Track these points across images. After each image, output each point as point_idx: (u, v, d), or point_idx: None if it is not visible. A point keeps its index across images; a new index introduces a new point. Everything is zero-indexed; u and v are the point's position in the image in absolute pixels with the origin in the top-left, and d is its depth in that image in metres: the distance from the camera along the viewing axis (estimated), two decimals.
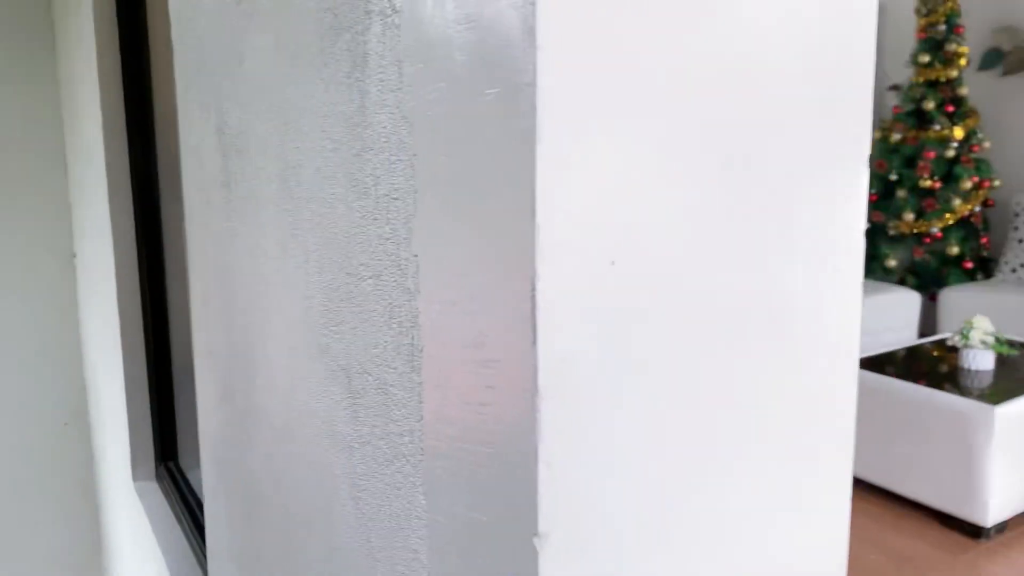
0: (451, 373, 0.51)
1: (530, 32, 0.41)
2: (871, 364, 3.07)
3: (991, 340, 2.97)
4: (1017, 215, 4.27)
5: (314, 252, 0.70)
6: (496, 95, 0.44)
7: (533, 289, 0.42)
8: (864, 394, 2.94)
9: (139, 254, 1.81)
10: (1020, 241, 4.21)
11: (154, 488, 1.80)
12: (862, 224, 0.56)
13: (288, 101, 0.72)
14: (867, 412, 2.94)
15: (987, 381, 2.90)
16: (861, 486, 3.10)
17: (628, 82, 0.44)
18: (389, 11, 0.54)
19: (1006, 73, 4.60)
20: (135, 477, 1.83)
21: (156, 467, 1.86)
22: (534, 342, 0.43)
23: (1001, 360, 3.10)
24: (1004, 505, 2.67)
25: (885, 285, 4.15)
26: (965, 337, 3.00)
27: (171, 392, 1.88)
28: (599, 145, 0.44)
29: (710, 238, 0.49)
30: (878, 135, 4.63)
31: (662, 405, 0.47)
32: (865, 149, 0.56)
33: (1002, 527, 2.73)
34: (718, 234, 0.49)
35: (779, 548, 0.55)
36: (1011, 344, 3.30)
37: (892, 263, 4.54)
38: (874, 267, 4.63)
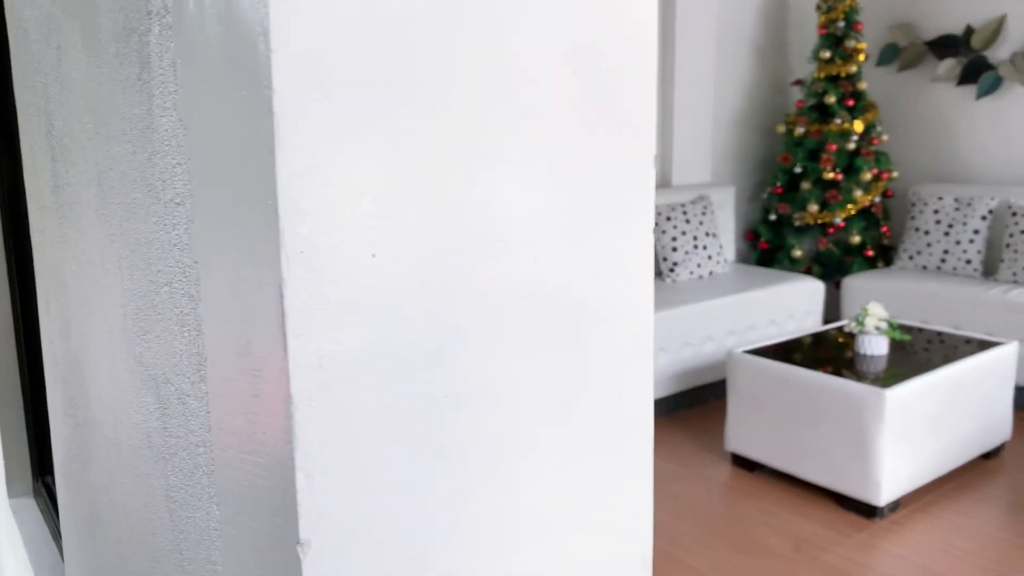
0: (230, 382, 0.50)
1: (265, 33, 0.40)
2: (771, 352, 3.16)
3: (884, 326, 3.10)
4: (914, 204, 4.46)
5: (125, 259, 0.68)
6: (245, 97, 0.43)
7: (281, 295, 0.42)
8: (764, 381, 3.02)
9: (8, 261, 1.74)
10: (917, 229, 4.40)
11: (31, 505, 1.73)
12: (650, 225, 0.57)
13: (99, 102, 0.69)
14: (767, 399, 3.03)
15: (881, 365, 3.02)
16: (764, 471, 3.19)
17: (375, 84, 0.44)
18: (163, 12, 0.52)
19: (902, 68, 4.79)
20: (11, 494, 1.74)
21: (34, 483, 1.78)
22: (285, 348, 0.42)
23: (895, 344, 3.23)
24: (896, 484, 2.79)
25: (790, 275, 4.28)
26: (860, 324, 3.12)
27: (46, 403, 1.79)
28: (350, 144, 0.43)
29: (484, 235, 0.49)
30: (783, 129, 4.77)
31: (434, 407, 0.47)
32: (650, 151, 0.57)
33: (895, 505, 2.85)
34: (493, 230, 0.49)
35: (576, 547, 0.56)
36: (904, 329, 3.44)
37: (798, 253, 4.68)
38: (781, 257, 4.77)
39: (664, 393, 3.72)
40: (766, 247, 4.85)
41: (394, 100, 0.44)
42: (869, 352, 3.12)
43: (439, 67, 0.46)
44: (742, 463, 3.24)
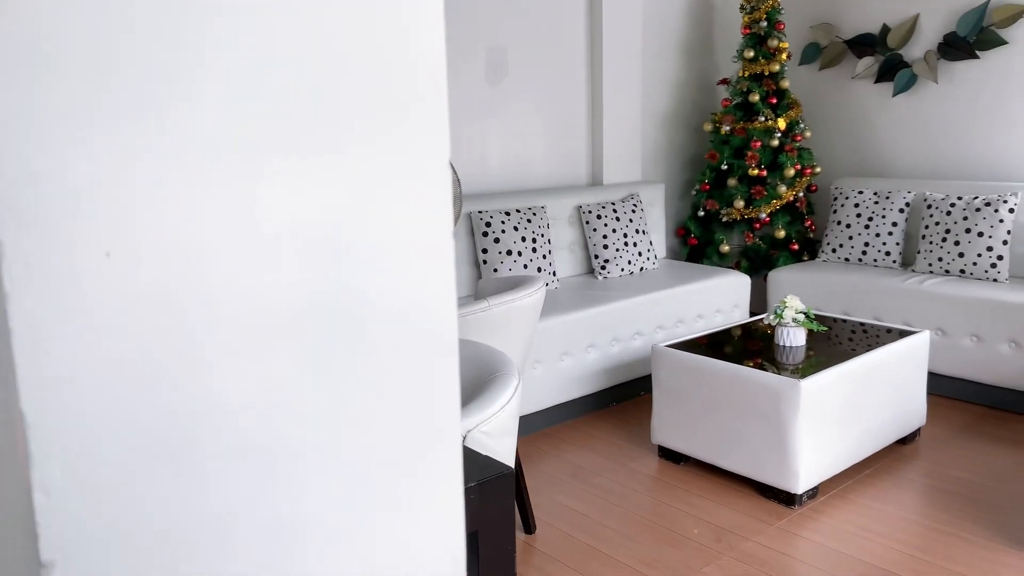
0: None
1: None
2: (693, 346, 3.21)
3: (802, 318, 3.17)
4: (835, 199, 4.57)
5: None
6: None
7: (4, 310, 0.41)
8: (687, 374, 3.06)
9: None
10: (839, 223, 4.51)
11: None
12: (448, 227, 0.57)
13: None
14: (690, 392, 3.08)
15: (799, 356, 3.09)
16: (690, 463, 3.24)
17: (99, 80, 0.43)
18: None
19: (823, 67, 4.91)
20: None
21: None
22: (13, 366, 0.41)
23: (815, 335, 3.31)
24: (814, 472, 2.85)
25: (718, 270, 4.35)
26: (779, 316, 3.19)
27: None
28: (80, 147, 0.42)
29: (247, 241, 0.48)
30: (709, 127, 4.85)
31: (189, 419, 0.46)
32: (443, 153, 0.56)
33: (814, 493, 2.92)
34: (258, 235, 0.48)
35: (373, 554, 0.56)
36: (824, 320, 3.53)
37: (726, 248, 4.77)
38: (710, 253, 4.85)
39: (594, 388, 3.75)
40: (696, 243, 4.93)
41: (124, 94, 0.43)
42: (788, 343, 3.19)
43: (169, 58, 0.45)
44: (669, 455, 3.29)
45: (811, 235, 4.85)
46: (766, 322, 3.28)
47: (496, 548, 1.26)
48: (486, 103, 4.22)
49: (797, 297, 3.26)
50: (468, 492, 1.22)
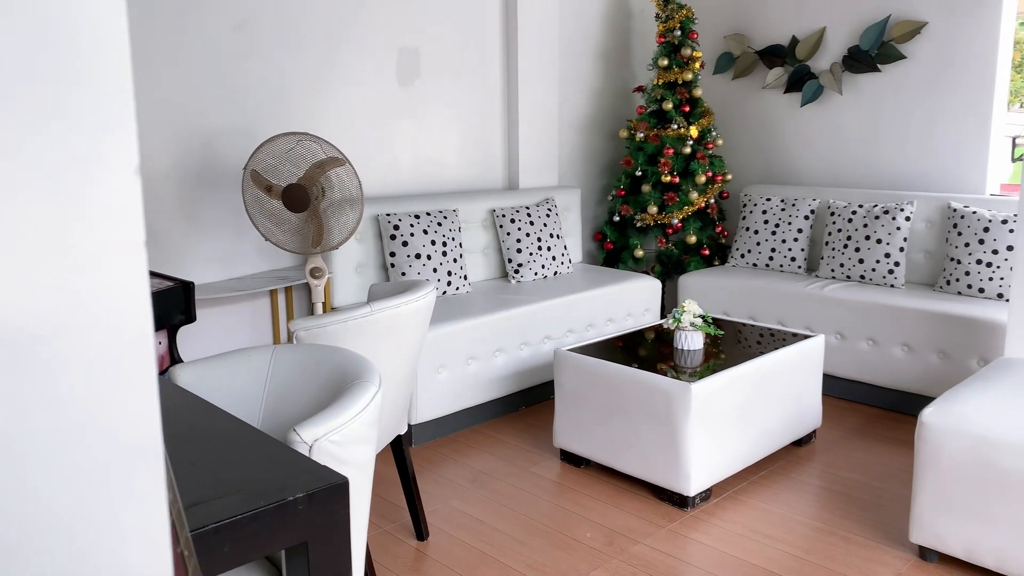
0: None
1: None
2: (594, 350, 3.24)
3: (699, 322, 3.22)
4: (744, 205, 4.67)
5: None
6: None
7: None
8: (586, 378, 3.08)
9: None
10: (747, 229, 4.61)
11: None
12: (141, 235, 0.55)
13: None
14: (590, 395, 3.10)
15: (696, 360, 3.14)
16: (591, 466, 3.27)
17: None
18: None
19: (736, 76, 5.02)
20: None
21: None
22: None
23: (710, 339, 3.37)
24: (706, 475, 2.90)
25: (630, 274, 4.40)
26: (677, 320, 3.24)
27: None
28: None
29: None
30: (625, 134, 4.91)
31: None
32: (132, 160, 0.55)
33: (707, 495, 2.97)
34: None
35: (74, 569, 0.54)
36: (722, 325, 3.60)
37: (640, 253, 4.83)
38: (625, 257, 4.90)
39: (501, 393, 3.75)
40: (611, 247, 4.98)
41: None
42: (686, 347, 3.24)
43: None
44: (570, 459, 3.31)
45: (723, 240, 4.95)
46: (665, 326, 3.33)
47: (329, 557, 1.24)
48: (397, 105, 4.19)
49: (695, 301, 3.31)
50: (297, 503, 1.20)
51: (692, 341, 3.23)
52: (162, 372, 2.97)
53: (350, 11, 3.96)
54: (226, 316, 3.76)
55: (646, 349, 3.28)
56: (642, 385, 2.93)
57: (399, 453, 2.74)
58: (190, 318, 2.98)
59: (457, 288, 4.00)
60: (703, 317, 3.25)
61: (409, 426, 3.52)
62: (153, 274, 2.97)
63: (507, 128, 4.68)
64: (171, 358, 3.01)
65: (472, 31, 4.44)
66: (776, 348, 3.23)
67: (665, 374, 2.93)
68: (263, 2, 3.67)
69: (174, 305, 2.90)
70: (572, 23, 4.96)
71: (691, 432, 2.82)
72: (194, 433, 1.46)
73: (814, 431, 3.50)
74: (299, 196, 3.28)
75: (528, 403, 3.96)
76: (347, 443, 1.48)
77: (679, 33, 4.73)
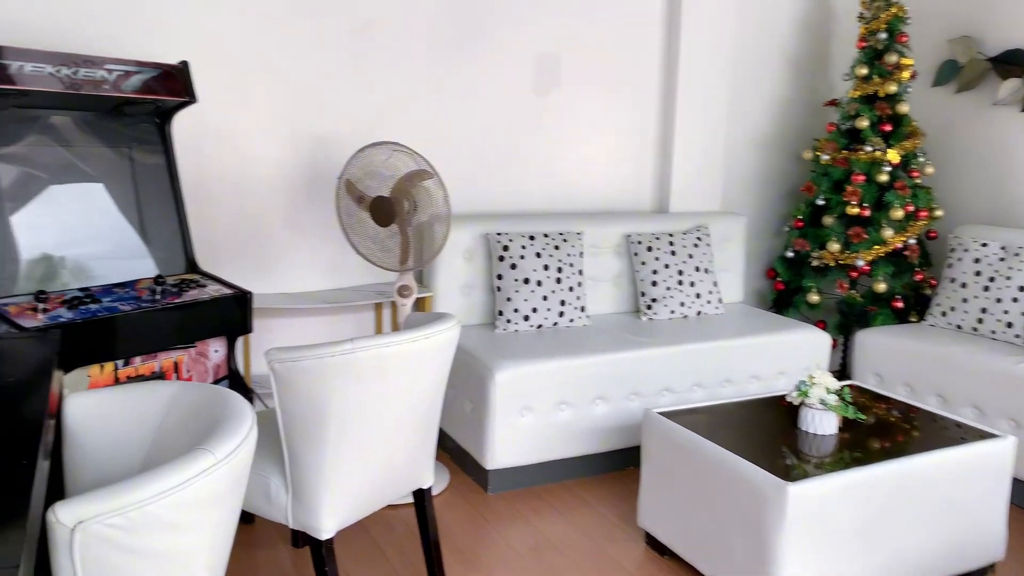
0: None
1: None
2: (693, 416, 2.61)
3: (833, 400, 2.50)
4: (952, 250, 3.72)
5: None
6: None
7: None
8: (675, 450, 2.48)
9: None
10: (952, 280, 3.66)
11: None
12: None
13: None
14: (678, 472, 2.52)
15: (824, 449, 2.43)
16: (675, 559, 2.66)
17: None
18: None
19: (960, 89, 4.04)
20: None
21: None
22: None
23: (850, 424, 2.61)
24: None
25: (792, 322, 3.65)
26: (803, 394, 2.54)
27: None
28: None
29: None
30: (809, 155, 4.13)
31: None
32: None
33: None
34: None
35: None
36: (870, 402, 2.80)
37: (816, 298, 4.03)
38: (798, 301, 4.12)
39: (598, 448, 3.23)
40: (783, 288, 4.22)
41: None
42: (813, 430, 2.53)
43: None
44: (654, 544, 2.72)
45: (927, 291, 4.00)
46: (788, 399, 2.63)
47: None
48: (530, 115, 3.81)
49: (828, 373, 2.58)
50: None
51: (822, 424, 2.51)
52: (219, 380, 2.84)
53: (484, 13, 3.65)
54: (330, 326, 3.60)
55: (764, 426, 2.61)
56: (730, 473, 2.29)
57: (421, 511, 2.36)
58: (246, 328, 2.81)
59: (571, 320, 3.53)
60: (839, 394, 2.52)
61: (486, 470, 3.11)
62: (214, 279, 2.84)
63: (660, 143, 4.12)
64: (228, 368, 2.87)
65: (625, 34, 3.95)
66: (942, 446, 2.42)
67: (760, 463, 2.26)
68: (390, 2, 3.47)
69: (230, 314, 2.75)
70: (753, 24, 4.28)
71: (785, 546, 2.15)
72: None
73: (992, 565, 2.59)
74: (386, 209, 3.01)
75: (630, 464, 3.39)
76: (141, 529, 1.13)
77: (884, 36, 3.89)
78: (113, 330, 2.41)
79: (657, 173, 4.15)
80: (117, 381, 2.51)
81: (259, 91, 3.31)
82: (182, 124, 3.20)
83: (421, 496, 2.35)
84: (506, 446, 3.05)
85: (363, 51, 3.46)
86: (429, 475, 2.32)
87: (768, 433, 2.53)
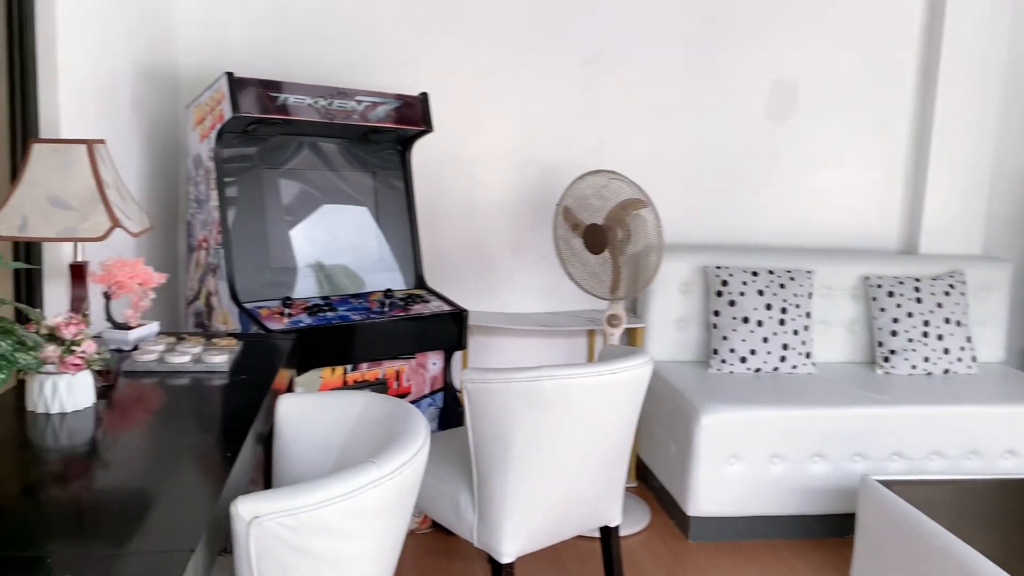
0: None
1: None
2: (921, 490, 2.30)
3: None
4: None
5: None
6: None
7: None
8: (895, 528, 2.23)
9: None
10: None
11: None
12: None
13: None
14: (896, 553, 2.26)
15: None
16: None
17: None
18: None
19: None
20: None
21: None
22: None
23: None
24: None
25: None
26: None
27: None
28: None
29: None
30: None
31: None
32: None
33: None
34: None
35: None
36: None
37: None
38: None
39: (813, 510, 2.96)
40: None
41: None
42: None
43: None
44: None
45: None
46: None
47: None
48: (759, 142, 3.63)
49: None
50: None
51: None
52: (434, 392, 2.99)
53: (719, 39, 3.55)
54: (543, 349, 3.67)
55: (1016, 517, 2.25)
56: (962, 570, 1.99)
57: (607, 548, 2.31)
58: (460, 344, 2.94)
59: (794, 366, 3.28)
60: None
61: (687, 516, 2.98)
62: (437, 296, 3.01)
63: (911, 176, 3.73)
64: (444, 380, 3.01)
65: (873, 55, 3.64)
66: None
67: (1007, 566, 1.94)
68: (618, 32, 3.49)
69: (447, 329, 2.89)
70: None
71: None
72: (156, 448, 1.33)
73: None
74: (599, 237, 3.02)
75: (848, 531, 3.07)
76: (307, 531, 1.21)
77: None
78: (343, 337, 2.63)
79: (905, 209, 3.76)
80: (345, 384, 2.74)
81: (491, 120, 3.47)
82: (421, 150, 3.44)
83: (608, 533, 2.30)
84: (710, 494, 2.90)
85: (590, 81, 3.50)
86: (616, 513, 2.27)
87: (1020, 527, 2.17)
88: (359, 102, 2.85)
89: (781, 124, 3.64)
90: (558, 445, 1.98)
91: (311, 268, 2.83)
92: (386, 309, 2.80)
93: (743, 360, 3.25)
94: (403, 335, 2.78)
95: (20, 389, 1.66)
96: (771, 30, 3.57)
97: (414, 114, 2.97)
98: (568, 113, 3.51)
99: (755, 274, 3.34)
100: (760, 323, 3.27)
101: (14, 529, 1.09)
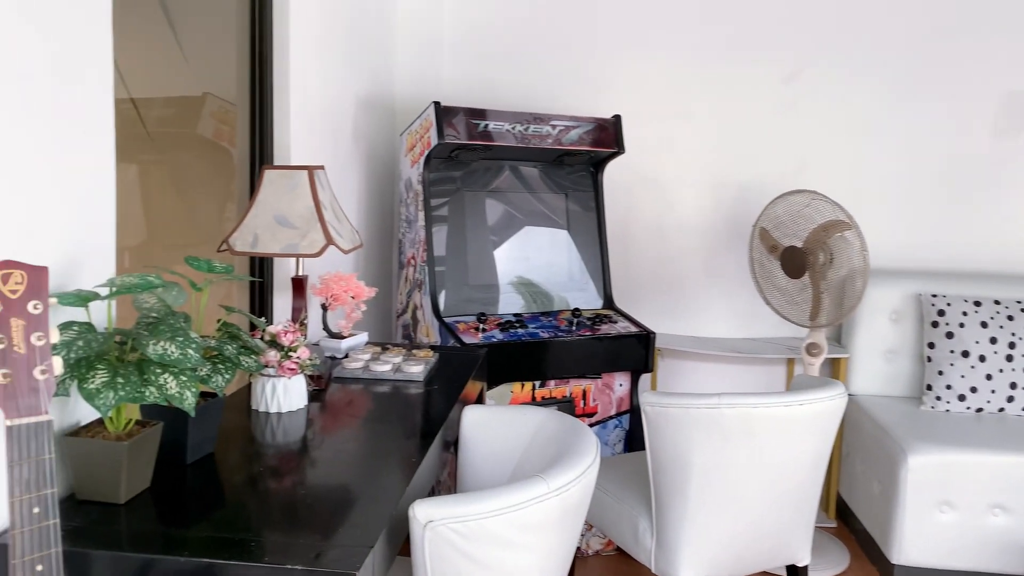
0: None
1: None
2: None
3: None
4: None
5: None
6: None
7: None
8: None
9: None
10: None
11: None
12: None
13: None
14: None
15: None
16: None
17: None
18: None
19: None
20: None
21: None
22: None
23: None
24: None
25: None
26: None
27: None
28: None
29: None
30: None
31: None
32: None
33: None
34: None
35: None
36: None
37: None
38: None
39: None
40: None
41: None
42: None
43: None
44: None
45: None
46: None
47: None
48: (986, 160, 3.30)
49: None
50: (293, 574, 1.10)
51: None
52: (620, 414, 3.01)
53: (943, 50, 3.28)
54: (736, 376, 3.57)
55: None
56: None
57: None
58: (646, 367, 2.93)
59: (1023, 408, 2.95)
60: None
61: (891, 564, 2.77)
62: (624, 316, 3.02)
63: None
64: (630, 403, 3.02)
65: None
66: None
67: None
68: (822, 49, 3.33)
69: (633, 351, 2.91)
70: None
71: None
72: (356, 448, 1.46)
73: None
74: (797, 260, 2.90)
75: None
76: (476, 539, 1.29)
77: None
78: (532, 353, 2.73)
79: None
80: (533, 400, 2.84)
81: (683, 140, 3.44)
82: (613, 171, 3.48)
83: (796, 573, 2.20)
84: (918, 542, 2.67)
85: (790, 99, 3.37)
86: (805, 553, 2.16)
87: None
88: (553, 126, 2.95)
89: (1010, 140, 3.29)
90: (739, 476, 1.93)
91: (509, 286, 2.95)
92: (573, 328, 2.86)
93: (961, 398, 2.97)
94: (590, 354, 2.83)
95: (249, 389, 1.89)
96: (1004, 39, 3.24)
97: (606, 136, 3.02)
98: (766, 131, 3.40)
99: (978, 304, 3.04)
100: (983, 358, 2.96)
101: (235, 514, 1.26)
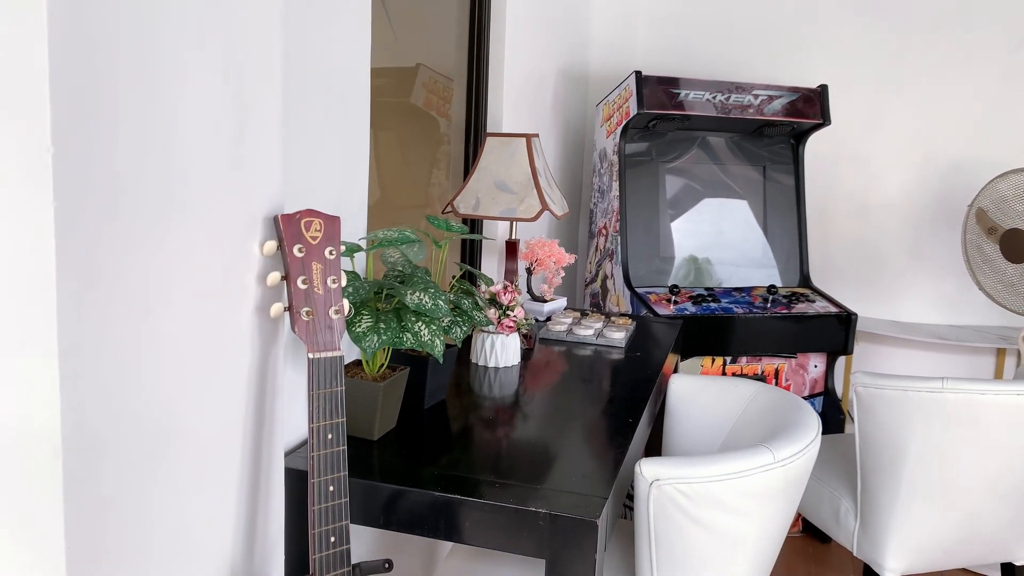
0: None
1: None
2: None
3: None
4: None
5: None
6: None
7: None
8: None
9: None
10: None
11: None
12: None
13: None
14: None
15: None
16: None
17: None
18: None
19: None
20: None
21: None
22: None
23: None
24: None
25: None
26: None
27: None
28: None
29: None
30: None
31: None
32: None
33: None
34: None
35: None
36: None
37: None
38: None
39: None
40: None
41: None
42: None
43: None
44: None
45: None
46: None
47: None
48: None
49: None
50: (537, 516, 1.18)
51: None
52: (813, 395, 2.93)
53: None
54: (940, 364, 3.37)
55: None
56: None
57: None
58: (846, 349, 2.83)
59: None
60: None
61: None
62: (822, 296, 2.92)
63: None
64: (824, 385, 2.93)
65: None
66: None
67: None
68: None
69: (832, 332, 2.81)
70: None
71: None
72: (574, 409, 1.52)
73: None
74: (1020, 244, 2.68)
75: None
76: (699, 500, 1.32)
77: None
78: (724, 328, 2.70)
79: None
80: (723, 375, 2.81)
81: (893, 113, 3.24)
82: (815, 145, 3.34)
83: (1012, 571, 2.07)
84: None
85: (1017, 70, 3.09)
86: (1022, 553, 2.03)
87: None
88: (755, 96, 2.87)
89: None
90: (959, 465, 1.83)
91: (699, 259, 2.93)
92: (768, 305, 2.80)
93: None
94: (784, 333, 2.76)
95: (466, 343, 2.01)
96: None
97: (810, 107, 2.90)
98: (986, 105, 3.14)
99: None
100: None
101: (472, 457, 1.35)
